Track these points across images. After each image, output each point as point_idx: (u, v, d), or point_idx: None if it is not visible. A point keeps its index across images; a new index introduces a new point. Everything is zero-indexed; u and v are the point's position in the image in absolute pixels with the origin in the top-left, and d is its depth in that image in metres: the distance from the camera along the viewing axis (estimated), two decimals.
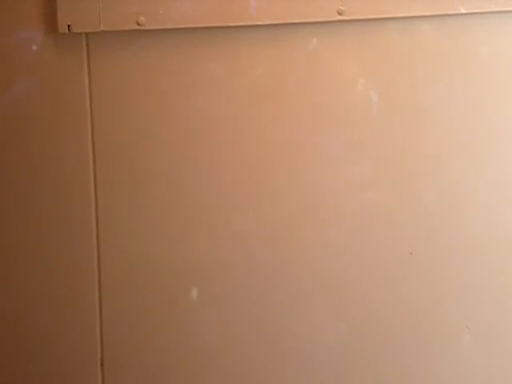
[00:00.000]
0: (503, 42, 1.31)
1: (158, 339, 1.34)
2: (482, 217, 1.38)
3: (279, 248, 1.34)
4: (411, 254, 1.37)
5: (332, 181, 1.33)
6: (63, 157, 1.26)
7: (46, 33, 1.21)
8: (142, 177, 1.29)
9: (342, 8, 1.24)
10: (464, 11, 1.26)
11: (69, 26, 1.19)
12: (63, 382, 1.33)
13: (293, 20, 1.24)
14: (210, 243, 1.32)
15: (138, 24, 1.21)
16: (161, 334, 1.34)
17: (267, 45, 1.26)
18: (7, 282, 1.30)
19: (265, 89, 1.28)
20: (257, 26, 1.24)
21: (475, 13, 1.27)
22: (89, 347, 1.32)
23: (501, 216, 1.38)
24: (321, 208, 1.34)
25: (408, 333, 1.40)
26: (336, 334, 1.38)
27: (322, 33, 1.26)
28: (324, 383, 1.40)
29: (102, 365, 1.33)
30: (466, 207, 1.37)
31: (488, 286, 1.40)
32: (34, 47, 1.22)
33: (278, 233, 1.33)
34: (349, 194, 1.34)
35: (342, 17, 1.24)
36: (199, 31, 1.23)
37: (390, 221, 1.36)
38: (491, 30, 1.30)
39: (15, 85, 1.23)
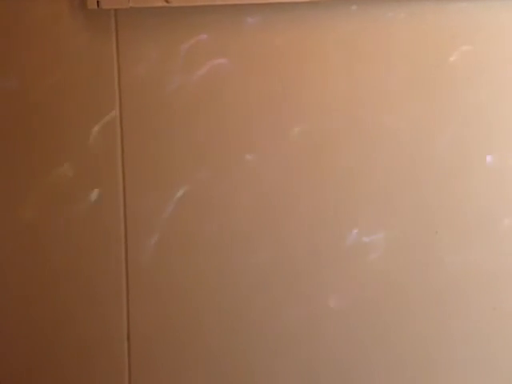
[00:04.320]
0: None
1: (184, 314, 1.35)
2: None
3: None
4: (436, 233, 1.37)
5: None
6: (90, 130, 1.27)
7: (75, 9, 1.22)
8: (168, 150, 1.30)
9: None
10: None
11: (98, 1, 1.20)
12: (90, 355, 1.34)
13: None
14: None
15: (166, 1, 1.21)
16: (186, 308, 1.35)
17: (296, 22, 1.26)
18: (34, 257, 1.31)
19: (293, 68, 1.29)
20: (284, 3, 1.24)
21: None
22: (115, 321, 1.33)
23: None
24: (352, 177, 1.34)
25: (432, 312, 1.40)
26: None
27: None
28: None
29: (128, 338, 1.34)
30: (495, 189, 1.37)
31: None
32: (63, 23, 1.23)
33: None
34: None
35: None
36: (227, 8, 1.24)
37: (416, 200, 1.36)
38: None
39: (44, 61, 1.24)
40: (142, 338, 1.34)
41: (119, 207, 1.30)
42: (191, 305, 1.35)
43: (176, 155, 1.30)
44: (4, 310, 1.32)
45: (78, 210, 1.29)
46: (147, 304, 1.33)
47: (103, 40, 1.23)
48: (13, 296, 1.32)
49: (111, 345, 1.34)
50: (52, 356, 1.34)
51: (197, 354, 1.37)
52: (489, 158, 1.35)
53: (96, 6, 1.20)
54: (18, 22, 1.22)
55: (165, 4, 1.21)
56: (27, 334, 1.33)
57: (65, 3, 1.21)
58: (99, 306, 1.33)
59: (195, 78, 1.26)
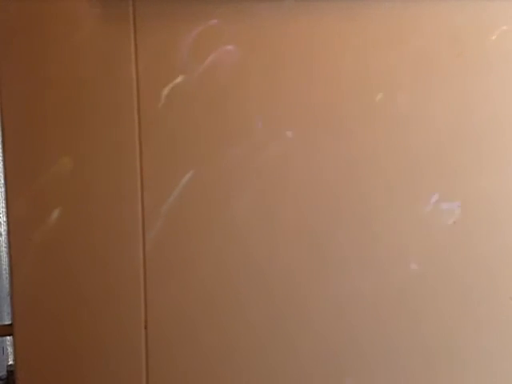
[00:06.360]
0: None
1: (201, 302, 1.34)
2: None
3: None
4: (454, 223, 1.37)
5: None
6: (109, 111, 1.28)
7: None
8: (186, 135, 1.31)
9: None
10: None
11: None
12: (109, 343, 1.33)
13: None
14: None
15: None
16: (204, 297, 1.34)
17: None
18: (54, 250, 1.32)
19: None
20: None
21: None
22: (133, 310, 1.33)
23: None
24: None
25: (451, 303, 1.39)
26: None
27: None
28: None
29: (145, 327, 1.34)
30: None
31: None
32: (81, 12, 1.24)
33: None
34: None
35: None
36: None
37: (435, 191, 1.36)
38: None
39: (61, 39, 1.25)
40: (159, 326, 1.34)
41: (137, 201, 1.30)
42: (209, 292, 1.34)
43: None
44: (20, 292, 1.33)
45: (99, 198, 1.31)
46: (165, 292, 1.33)
47: (121, 28, 1.25)
48: (28, 281, 1.32)
49: (129, 334, 1.33)
50: (69, 343, 1.34)
51: (215, 341, 1.36)
52: None
53: None
54: (38, 13, 1.24)
55: None
56: (43, 321, 1.33)
57: None
58: (117, 294, 1.32)
59: (211, 66, 1.28)
